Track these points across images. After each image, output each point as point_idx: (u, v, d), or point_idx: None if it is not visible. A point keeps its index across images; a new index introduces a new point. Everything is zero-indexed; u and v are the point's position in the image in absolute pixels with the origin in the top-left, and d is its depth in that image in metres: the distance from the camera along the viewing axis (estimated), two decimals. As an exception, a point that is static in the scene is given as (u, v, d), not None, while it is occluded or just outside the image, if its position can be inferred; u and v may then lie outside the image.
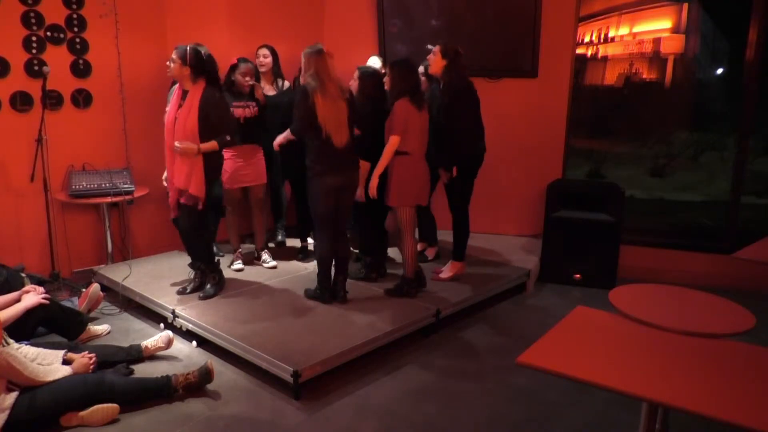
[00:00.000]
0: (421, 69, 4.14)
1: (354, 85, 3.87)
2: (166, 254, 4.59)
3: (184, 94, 3.54)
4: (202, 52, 3.54)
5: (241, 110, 4.06)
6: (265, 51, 4.48)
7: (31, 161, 3.99)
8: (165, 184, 3.85)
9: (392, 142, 3.57)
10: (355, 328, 3.32)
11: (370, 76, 3.83)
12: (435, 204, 4.42)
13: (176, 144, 3.46)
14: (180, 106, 3.52)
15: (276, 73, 4.55)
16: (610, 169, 5.93)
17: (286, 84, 4.62)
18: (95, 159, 4.37)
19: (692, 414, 1.72)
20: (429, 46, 3.95)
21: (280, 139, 3.87)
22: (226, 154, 3.92)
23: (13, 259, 3.97)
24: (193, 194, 3.50)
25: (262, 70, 4.45)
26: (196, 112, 3.45)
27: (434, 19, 5.12)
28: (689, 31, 5.46)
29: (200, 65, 3.48)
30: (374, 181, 3.62)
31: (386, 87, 3.79)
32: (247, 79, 4.07)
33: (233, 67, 4.08)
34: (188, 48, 3.46)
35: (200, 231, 3.68)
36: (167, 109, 3.67)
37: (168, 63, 3.50)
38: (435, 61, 3.84)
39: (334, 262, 3.71)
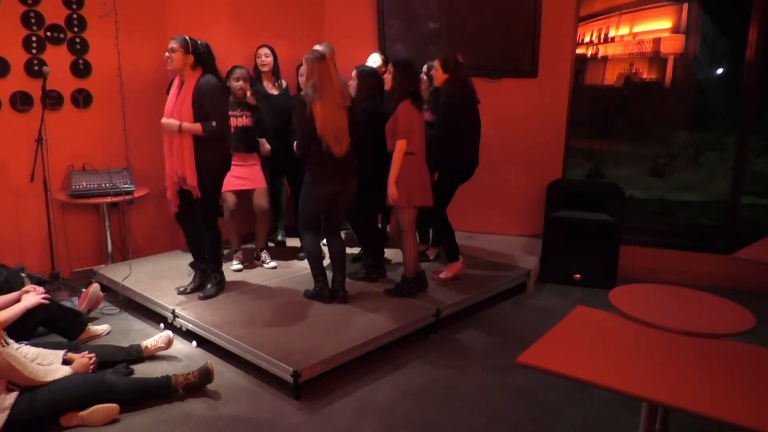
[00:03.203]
0: (424, 69, 4.14)
1: (353, 84, 3.87)
2: (166, 254, 4.59)
3: (182, 85, 3.51)
4: (199, 42, 3.52)
5: (234, 120, 4.05)
6: (266, 50, 4.48)
7: (31, 161, 3.99)
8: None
9: (400, 146, 3.55)
10: (355, 328, 3.32)
11: (368, 76, 3.82)
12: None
13: (162, 120, 3.44)
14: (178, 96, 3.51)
15: (276, 72, 4.56)
16: (610, 169, 5.93)
17: (284, 83, 4.62)
18: (95, 159, 4.37)
19: (692, 414, 1.72)
20: (432, 48, 3.95)
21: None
22: None
23: (13, 259, 3.97)
24: (191, 184, 3.49)
25: (264, 69, 4.45)
26: (191, 98, 3.42)
27: (434, 19, 5.12)
28: (689, 31, 5.46)
29: (201, 53, 3.47)
30: (392, 188, 3.59)
31: (386, 86, 3.78)
32: (240, 83, 4.07)
33: (228, 74, 4.08)
34: (186, 37, 3.43)
35: (212, 231, 3.67)
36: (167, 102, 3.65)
37: (167, 55, 3.43)
38: (437, 77, 3.86)
39: (331, 262, 3.72)
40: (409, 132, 3.57)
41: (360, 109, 3.64)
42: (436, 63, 3.85)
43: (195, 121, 3.42)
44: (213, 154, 3.52)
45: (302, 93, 3.51)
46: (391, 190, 3.59)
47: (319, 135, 3.39)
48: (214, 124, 3.43)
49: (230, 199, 4.18)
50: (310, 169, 3.53)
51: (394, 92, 3.65)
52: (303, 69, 3.54)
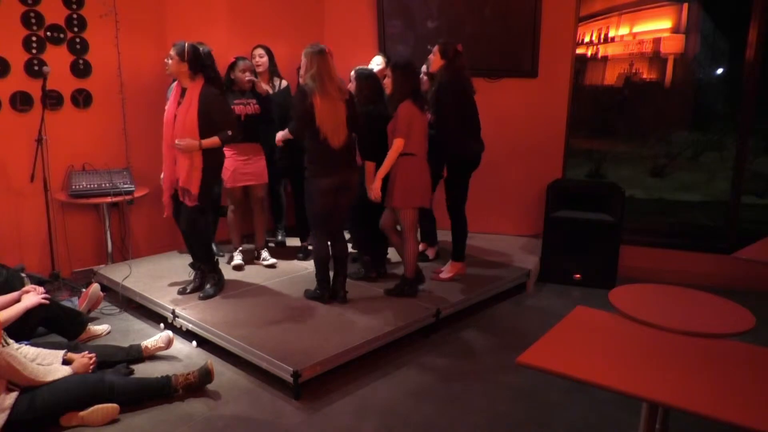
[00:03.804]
0: (423, 68, 4.14)
1: (351, 86, 3.86)
2: (166, 254, 4.59)
3: (183, 91, 3.53)
4: (201, 49, 3.54)
5: (242, 107, 4.08)
6: (260, 51, 4.50)
7: (31, 161, 3.99)
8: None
9: (397, 145, 3.56)
10: (355, 328, 3.32)
11: (366, 78, 3.82)
12: (435, 204, 4.42)
13: (177, 142, 3.47)
14: (179, 103, 3.52)
15: (272, 72, 4.56)
16: (610, 169, 5.94)
17: (284, 83, 4.62)
18: (95, 159, 4.37)
19: (692, 414, 1.72)
20: (429, 47, 3.96)
21: (280, 135, 4.01)
22: (227, 152, 3.93)
23: (13, 259, 3.96)
24: (194, 193, 3.50)
25: (258, 69, 4.45)
26: (196, 108, 3.44)
27: (434, 19, 5.12)
28: (689, 31, 5.47)
29: (198, 62, 3.47)
30: (377, 184, 3.61)
31: (387, 90, 3.78)
32: (248, 75, 4.08)
33: (232, 66, 4.09)
34: (186, 44, 3.45)
35: (199, 231, 3.68)
36: (167, 107, 3.67)
37: (166, 60, 3.49)
38: (434, 61, 3.87)
39: (333, 262, 3.71)
40: (409, 132, 3.57)
41: (361, 113, 3.65)
42: (435, 48, 3.85)
43: (200, 129, 3.46)
44: (213, 157, 3.58)
45: (302, 83, 3.52)
46: (375, 185, 3.61)
47: (317, 126, 3.40)
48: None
49: (236, 195, 4.20)
50: (309, 163, 3.53)
51: (395, 95, 3.66)
52: (302, 63, 3.54)
